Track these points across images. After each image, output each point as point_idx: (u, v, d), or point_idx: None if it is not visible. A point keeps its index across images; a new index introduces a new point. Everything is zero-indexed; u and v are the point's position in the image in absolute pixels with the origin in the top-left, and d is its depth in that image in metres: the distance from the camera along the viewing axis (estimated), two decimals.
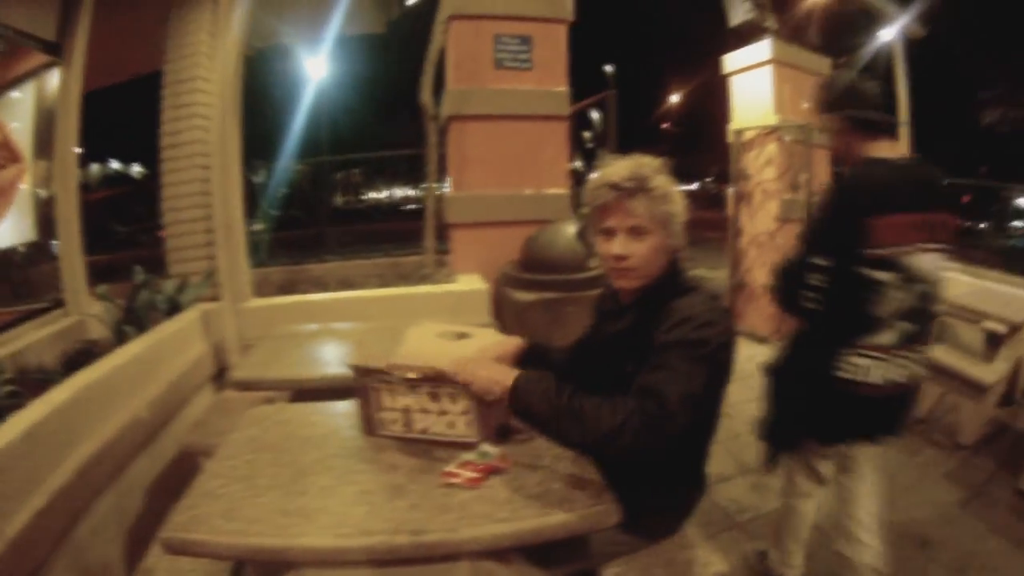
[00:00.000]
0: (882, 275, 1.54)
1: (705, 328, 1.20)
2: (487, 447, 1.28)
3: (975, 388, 3.06)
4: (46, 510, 1.56)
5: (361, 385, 1.41)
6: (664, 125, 32.70)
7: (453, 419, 1.35)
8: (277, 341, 2.49)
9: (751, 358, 4.53)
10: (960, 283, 4.25)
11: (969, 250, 5.33)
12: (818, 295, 1.61)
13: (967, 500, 2.61)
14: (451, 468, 1.21)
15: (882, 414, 1.74)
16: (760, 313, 5.09)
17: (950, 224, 1.61)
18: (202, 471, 1.30)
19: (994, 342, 3.19)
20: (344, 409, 1.62)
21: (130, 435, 2.12)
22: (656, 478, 1.39)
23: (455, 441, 1.34)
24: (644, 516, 1.40)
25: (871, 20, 5.32)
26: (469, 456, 1.25)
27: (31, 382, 2.37)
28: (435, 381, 1.33)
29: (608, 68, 3.99)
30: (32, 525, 1.51)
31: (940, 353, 3.25)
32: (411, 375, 1.34)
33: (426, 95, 3.74)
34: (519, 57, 3.92)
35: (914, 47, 5.50)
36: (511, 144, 3.93)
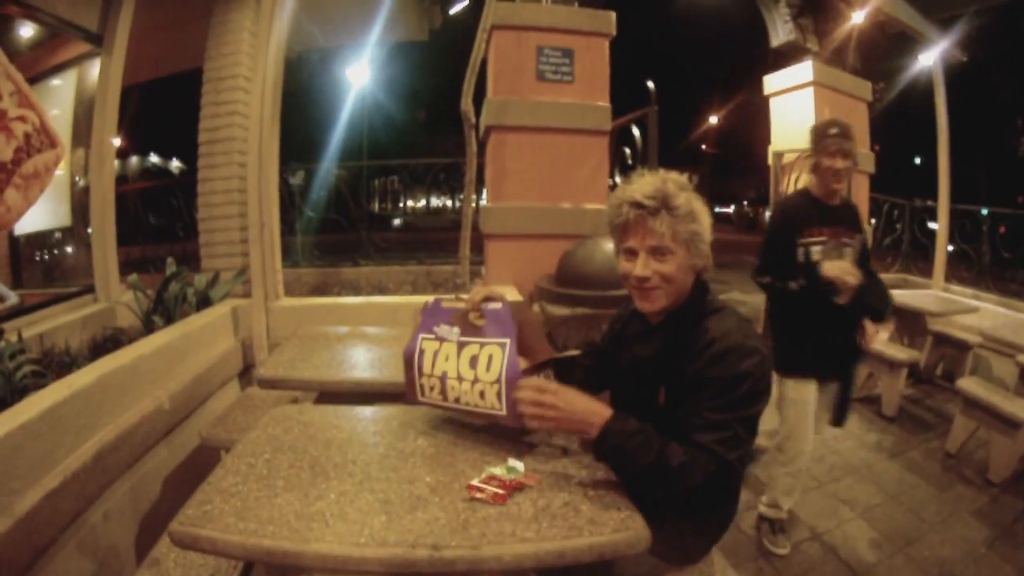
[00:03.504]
0: None
1: (746, 360, 1.18)
2: (514, 462, 1.23)
3: (1008, 424, 2.95)
4: (58, 491, 1.56)
5: (413, 343, 1.46)
6: (704, 146, 32.51)
7: (484, 388, 1.33)
8: (305, 341, 2.47)
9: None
10: (995, 315, 4.09)
11: (1006, 283, 5.14)
12: None
13: (994, 539, 2.54)
14: (476, 482, 1.16)
15: None
16: None
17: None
18: (219, 467, 1.26)
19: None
20: (369, 414, 1.59)
21: (150, 424, 2.12)
22: (689, 504, 1.32)
23: (484, 412, 1.35)
24: (672, 540, 1.35)
25: (911, 45, 5.21)
26: (496, 471, 1.20)
27: (56, 364, 2.39)
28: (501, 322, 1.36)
29: (650, 84, 3.92)
30: (42, 505, 1.50)
31: (973, 386, 3.16)
32: (479, 309, 1.40)
33: (466, 103, 3.73)
34: (561, 70, 3.90)
35: (954, 73, 5.35)
36: (550, 157, 3.90)
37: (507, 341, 1.35)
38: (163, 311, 3.06)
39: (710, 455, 1.13)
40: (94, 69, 3.48)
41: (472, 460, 1.28)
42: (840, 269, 2.10)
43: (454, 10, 5.17)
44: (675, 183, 1.25)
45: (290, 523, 1.04)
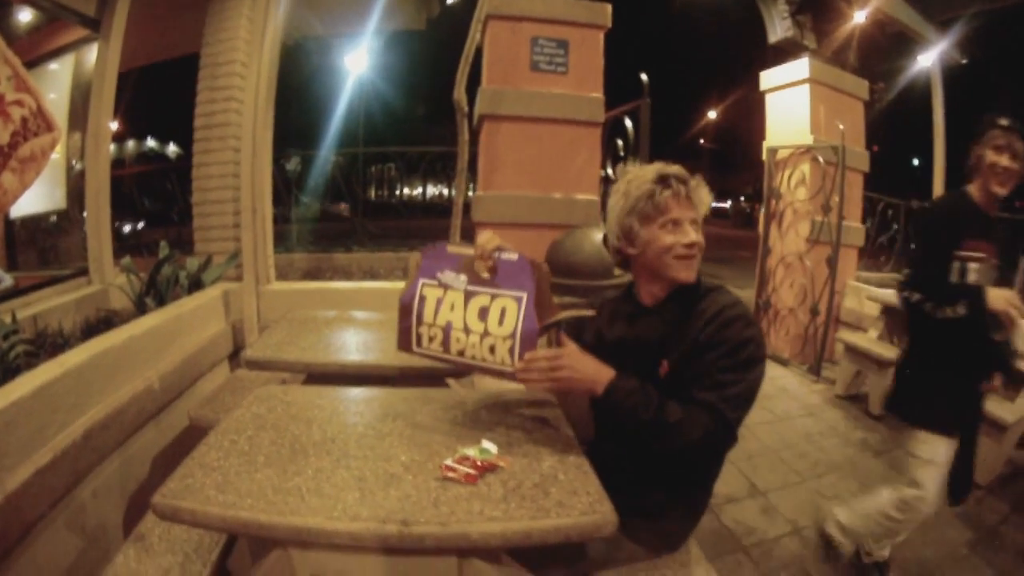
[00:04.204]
0: None
1: (750, 328, 1.28)
2: (488, 444, 1.26)
3: (995, 426, 2.96)
4: (49, 468, 1.59)
5: (412, 288, 1.38)
6: (701, 141, 32.44)
7: (495, 343, 1.27)
8: (294, 324, 2.50)
9: (772, 379, 4.51)
10: None
11: (999, 285, 5.17)
12: None
13: (977, 541, 2.55)
14: (449, 462, 1.19)
15: None
16: (784, 335, 5.00)
17: None
18: (202, 443, 1.29)
19: (1018, 380, 3.08)
20: (351, 395, 1.62)
21: (140, 404, 2.15)
22: (666, 488, 1.39)
23: (492, 368, 1.28)
24: (648, 527, 1.40)
25: (910, 45, 5.21)
26: (469, 452, 1.23)
27: (49, 345, 2.42)
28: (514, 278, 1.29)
29: (644, 76, 3.93)
30: (33, 481, 1.53)
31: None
32: (490, 260, 1.31)
33: (459, 92, 3.74)
34: (555, 60, 3.91)
35: (954, 75, 5.36)
36: (543, 147, 3.91)
37: (523, 295, 1.28)
38: (155, 294, 3.08)
39: (712, 412, 1.19)
40: (91, 54, 3.49)
41: (448, 442, 1.30)
42: (1006, 300, 1.78)
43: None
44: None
45: (268, 497, 1.07)
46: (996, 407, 2.97)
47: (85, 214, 3.47)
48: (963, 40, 5.19)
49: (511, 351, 1.25)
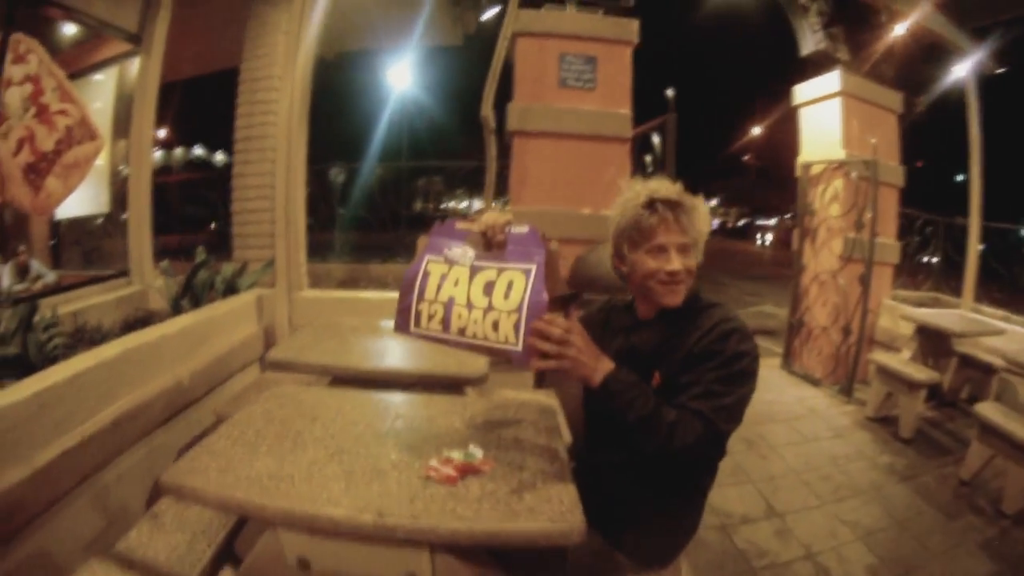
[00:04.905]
0: None
1: (746, 342, 1.28)
2: (474, 449, 1.31)
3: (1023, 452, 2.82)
4: (76, 449, 1.73)
5: (416, 265, 1.30)
6: (746, 157, 31.87)
7: (499, 318, 1.17)
8: (319, 330, 2.61)
9: (801, 400, 4.42)
10: (1021, 338, 3.95)
11: None
12: None
13: (999, 574, 2.42)
14: (434, 463, 1.25)
15: None
16: (817, 355, 4.89)
17: None
18: (214, 432, 1.40)
19: None
20: (358, 397, 1.71)
21: (169, 398, 2.29)
22: (657, 500, 1.38)
23: (493, 347, 1.18)
24: (637, 540, 1.40)
25: (945, 55, 5.03)
26: (454, 454, 1.28)
27: (87, 339, 2.58)
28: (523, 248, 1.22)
29: (669, 92, 3.96)
30: (60, 460, 1.67)
31: (991, 411, 3.04)
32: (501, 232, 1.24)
33: (487, 109, 3.83)
34: (583, 77, 3.97)
35: (995, 86, 5.16)
36: (571, 162, 3.97)
37: (532, 267, 1.19)
38: (191, 296, 3.25)
39: (704, 421, 1.18)
40: (134, 66, 3.71)
41: (440, 445, 1.35)
42: None
43: (485, 16, 5.29)
44: (679, 187, 1.36)
45: (263, 482, 1.16)
46: None
47: (127, 217, 3.69)
48: (1001, 49, 4.98)
49: (516, 326, 1.16)
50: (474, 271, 1.23)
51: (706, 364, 1.25)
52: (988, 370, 3.91)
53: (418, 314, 1.26)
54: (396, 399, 1.71)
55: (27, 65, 2.66)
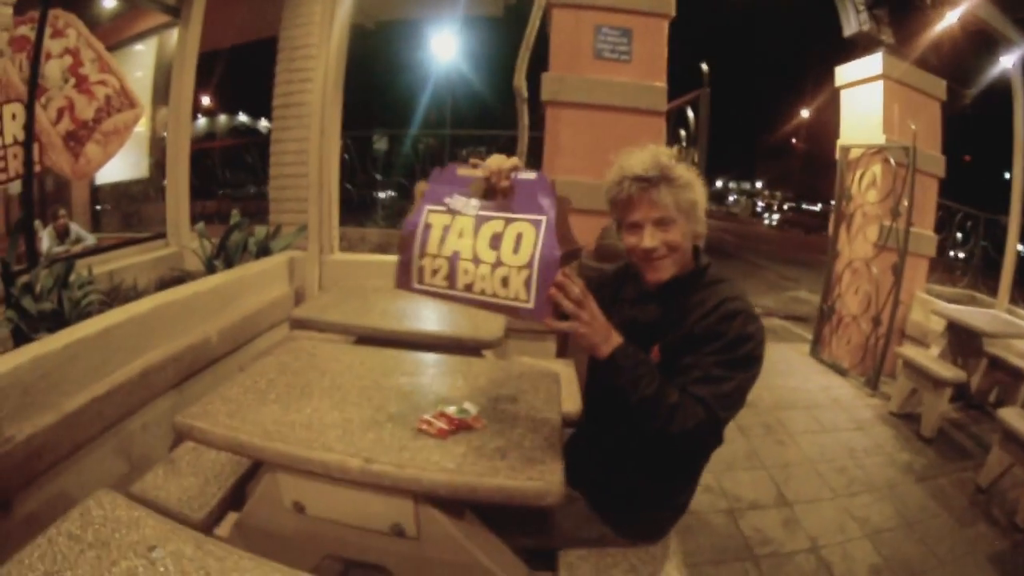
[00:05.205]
0: None
1: (752, 324, 1.24)
2: (468, 405, 1.37)
3: None
4: (104, 398, 1.85)
5: (416, 216, 1.23)
6: (793, 140, 30.81)
7: (508, 274, 1.10)
8: (343, 291, 2.70)
9: (826, 389, 4.37)
10: None
11: None
12: None
13: None
14: (427, 416, 1.31)
15: None
16: (846, 343, 4.79)
17: None
18: (229, 380, 1.49)
19: None
20: (369, 354, 1.78)
21: (196, 354, 2.41)
22: (648, 477, 1.39)
23: (503, 304, 1.12)
24: (625, 513, 1.41)
25: (993, 45, 4.75)
26: (448, 409, 1.34)
27: (123, 297, 2.73)
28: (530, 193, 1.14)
29: (704, 66, 3.87)
30: (88, 407, 1.79)
31: (1014, 418, 2.91)
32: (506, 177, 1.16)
33: (519, 79, 3.82)
34: (618, 49, 3.91)
35: None
36: (605, 134, 3.93)
37: (543, 219, 1.12)
38: (225, 257, 3.38)
39: (705, 407, 1.15)
40: (173, 37, 3.80)
41: (438, 402, 1.40)
42: None
43: None
44: (668, 155, 1.29)
45: (265, 427, 1.25)
46: None
47: (165, 182, 3.84)
48: None
49: (527, 283, 1.09)
50: (479, 222, 1.16)
51: (708, 346, 1.21)
52: (1018, 375, 3.75)
53: (421, 269, 1.20)
54: (407, 357, 1.77)
55: (66, 39, 2.79)
